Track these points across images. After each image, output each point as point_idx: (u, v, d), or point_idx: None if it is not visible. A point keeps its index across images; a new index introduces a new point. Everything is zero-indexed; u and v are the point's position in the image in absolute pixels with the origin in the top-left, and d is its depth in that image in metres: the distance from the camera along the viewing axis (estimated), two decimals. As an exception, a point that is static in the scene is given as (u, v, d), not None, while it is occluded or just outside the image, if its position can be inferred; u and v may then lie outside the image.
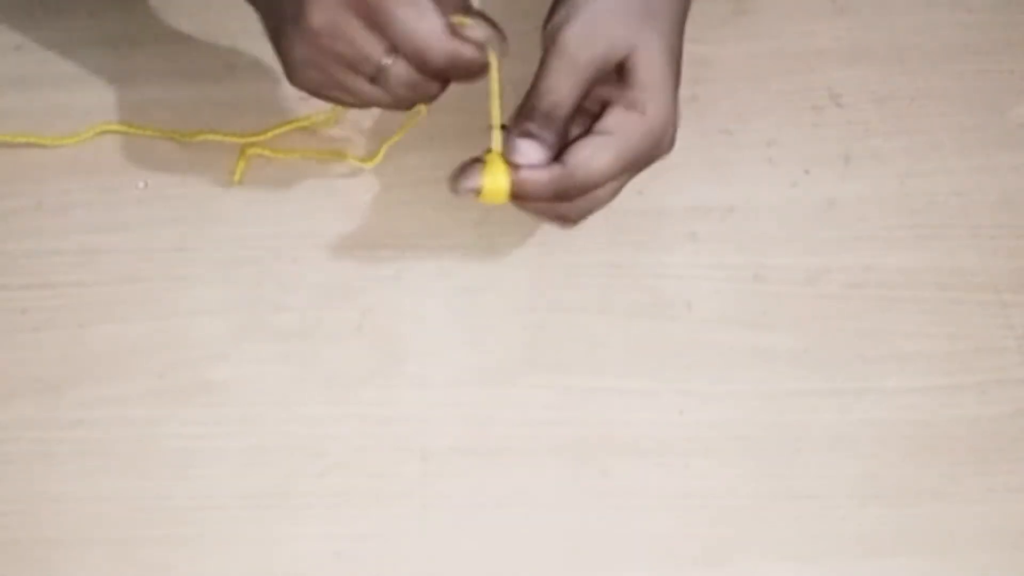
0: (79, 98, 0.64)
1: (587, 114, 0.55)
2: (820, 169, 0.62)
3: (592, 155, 0.53)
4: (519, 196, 0.54)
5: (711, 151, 0.63)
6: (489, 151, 0.54)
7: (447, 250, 0.60)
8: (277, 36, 0.55)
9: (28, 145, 0.62)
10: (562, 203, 0.55)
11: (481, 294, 0.59)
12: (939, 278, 0.59)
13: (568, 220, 0.56)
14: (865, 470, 0.55)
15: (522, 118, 0.54)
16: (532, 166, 0.53)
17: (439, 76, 0.54)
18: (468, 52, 0.53)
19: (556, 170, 0.53)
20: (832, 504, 0.54)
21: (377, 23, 0.52)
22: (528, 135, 0.54)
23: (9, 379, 0.56)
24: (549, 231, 0.59)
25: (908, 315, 0.58)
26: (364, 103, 0.56)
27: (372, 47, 0.53)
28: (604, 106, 0.54)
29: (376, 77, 0.54)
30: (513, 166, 0.53)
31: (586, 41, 0.53)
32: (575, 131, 0.55)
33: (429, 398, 0.56)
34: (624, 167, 0.54)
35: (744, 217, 0.61)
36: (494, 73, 0.54)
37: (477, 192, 0.54)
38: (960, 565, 0.53)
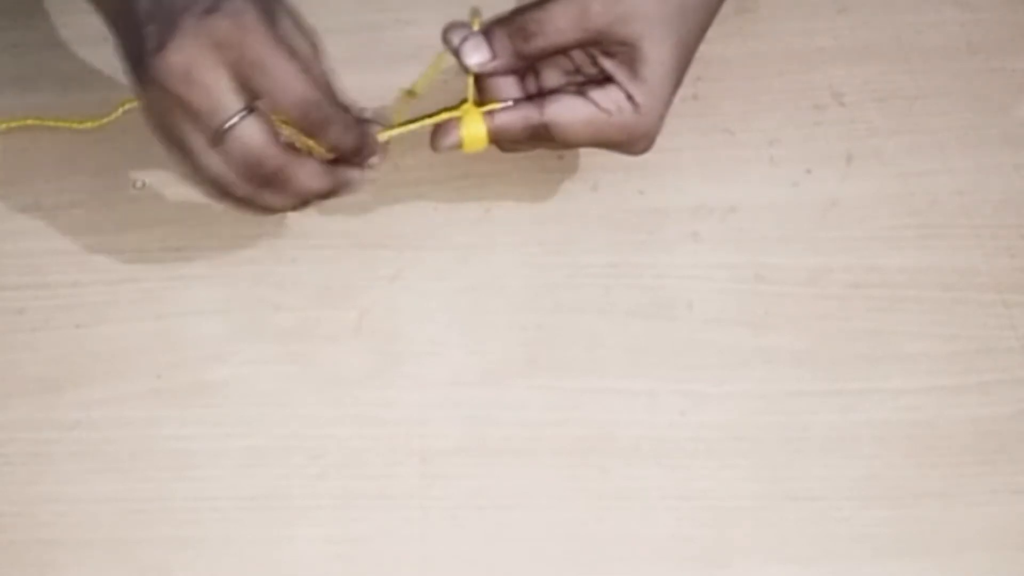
0: (78, 98, 0.63)
1: (573, 66, 0.56)
2: (822, 169, 0.62)
3: (572, 119, 0.54)
4: (497, 140, 0.55)
5: (712, 151, 0.63)
6: (464, 101, 0.55)
7: (447, 250, 0.59)
8: (132, 68, 0.50)
9: (50, 128, 0.62)
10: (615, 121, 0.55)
11: (481, 294, 0.59)
12: (941, 278, 0.59)
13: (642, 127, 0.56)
14: (867, 471, 0.54)
15: (499, 23, 0.54)
16: (507, 108, 0.55)
17: (314, 134, 0.51)
18: (352, 119, 0.51)
19: (533, 116, 0.54)
20: (833, 505, 0.54)
21: (248, 71, 0.48)
22: (493, 37, 0.54)
23: (7, 380, 0.56)
24: (549, 231, 0.59)
25: (910, 315, 0.58)
26: (193, 171, 0.51)
27: (226, 100, 0.48)
28: (600, 71, 0.54)
29: (217, 138, 0.49)
30: (488, 114, 0.55)
31: (610, 3, 0.52)
32: (556, 77, 0.56)
33: (428, 399, 0.56)
34: (594, 143, 0.55)
35: (745, 217, 0.61)
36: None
37: (459, 145, 0.55)
38: (962, 566, 0.53)
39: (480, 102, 0.56)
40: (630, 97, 0.53)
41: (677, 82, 0.55)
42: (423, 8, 0.66)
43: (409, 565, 0.53)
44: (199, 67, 0.48)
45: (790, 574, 0.53)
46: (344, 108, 0.52)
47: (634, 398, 0.56)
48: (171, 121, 0.49)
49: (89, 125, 0.62)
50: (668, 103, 0.55)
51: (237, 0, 0.48)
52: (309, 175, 0.52)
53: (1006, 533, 0.53)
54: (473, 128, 0.55)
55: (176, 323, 0.58)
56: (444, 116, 0.56)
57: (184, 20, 0.48)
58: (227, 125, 0.49)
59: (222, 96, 0.48)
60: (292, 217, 0.60)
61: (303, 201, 0.53)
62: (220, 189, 0.51)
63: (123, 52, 0.51)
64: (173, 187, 0.61)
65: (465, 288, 0.59)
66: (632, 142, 0.55)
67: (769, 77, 0.65)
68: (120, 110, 0.62)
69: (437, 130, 0.56)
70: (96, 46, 0.65)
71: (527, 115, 0.55)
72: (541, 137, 0.55)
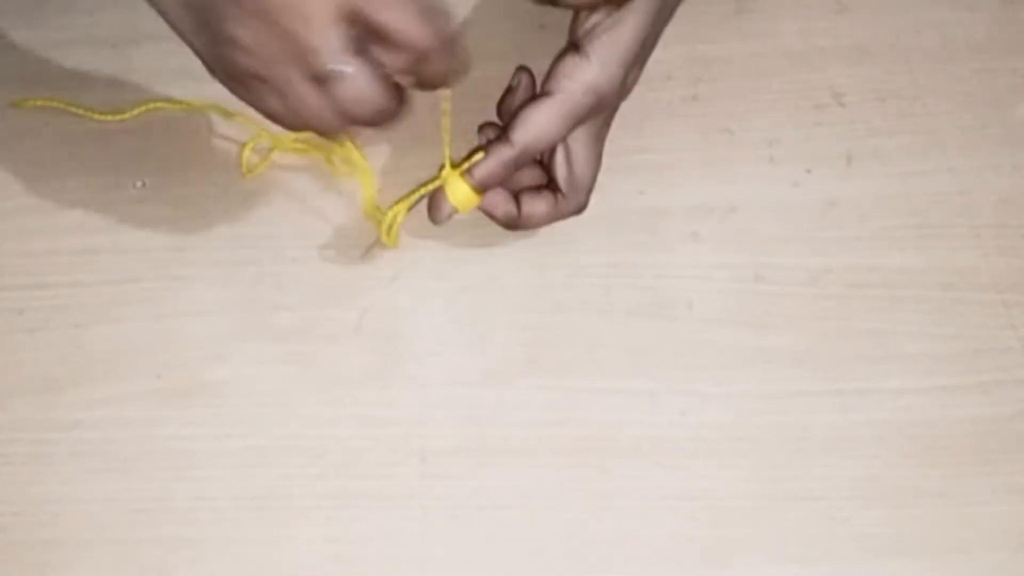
0: (78, 98, 0.63)
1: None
2: (822, 169, 0.62)
3: (539, 121, 0.54)
4: (487, 189, 0.55)
5: (712, 151, 0.63)
6: (441, 167, 0.55)
7: (446, 250, 0.59)
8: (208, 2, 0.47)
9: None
10: (563, 203, 0.56)
11: (481, 294, 0.59)
12: (941, 278, 0.59)
13: (576, 205, 0.57)
14: (867, 471, 0.54)
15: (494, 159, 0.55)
16: (481, 159, 0.55)
17: (416, 69, 0.49)
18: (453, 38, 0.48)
19: (505, 152, 0.54)
20: (833, 505, 0.54)
21: (360, 6, 0.46)
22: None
23: (7, 380, 0.56)
24: (549, 231, 0.59)
25: (910, 315, 0.58)
26: (292, 111, 0.48)
27: (333, 38, 0.46)
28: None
29: (324, 78, 0.47)
30: (468, 173, 0.55)
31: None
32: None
33: (428, 399, 0.56)
34: (568, 124, 0.54)
35: (745, 217, 0.61)
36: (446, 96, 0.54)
37: (455, 211, 0.55)
38: (963, 567, 0.53)
39: (455, 163, 0.55)
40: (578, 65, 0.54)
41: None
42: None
43: (409, 565, 0.53)
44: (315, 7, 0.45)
45: (790, 574, 0.53)
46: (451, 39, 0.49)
47: (634, 398, 0.56)
48: (264, 59, 0.46)
49: (111, 118, 0.62)
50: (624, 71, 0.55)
51: None
52: (402, 111, 0.50)
53: (1006, 533, 0.53)
54: (459, 192, 0.55)
55: (176, 323, 0.58)
56: (427, 188, 0.56)
57: None
58: (335, 67, 0.46)
59: (326, 32, 0.46)
60: (292, 217, 0.60)
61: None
62: (311, 124, 0.49)
63: None
64: (173, 187, 0.61)
65: (465, 288, 0.59)
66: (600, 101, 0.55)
67: (769, 77, 0.65)
68: (145, 108, 0.62)
69: (430, 205, 0.56)
70: (96, 46, 0.65)
71: (499, 154, 0.54)
72: (520, 165, 0.55)
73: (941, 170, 0.62)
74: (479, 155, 0.55)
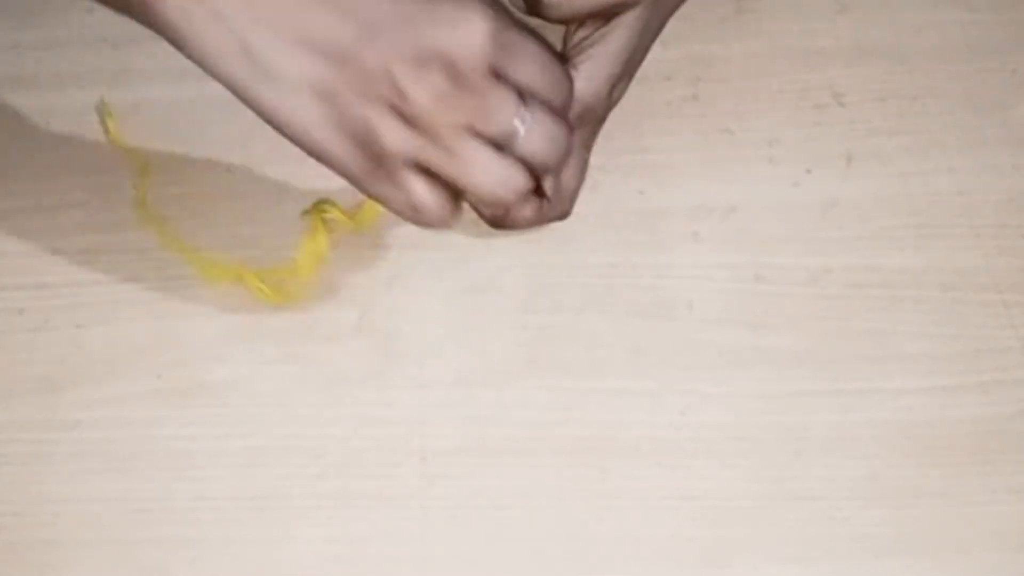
0: (78, 98, 0.63)
1: None
2: (822, 169, 0.62)
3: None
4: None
5: (712, 150, 0.62)
6: None
7: (447, 250, 0.59)
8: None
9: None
10: (548, 208, 0.56)
11: (481, 294, 0.59)
12: (941, 278, 0.59)
13: (560, 211, 0.56)
14: (867, 471, 0.54)
15: None
16: None
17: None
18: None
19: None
20: (834, 505, 0.54)
21: (507, 61, 0.43)
22: None
23: (6, 380, 0.56)
24: (549, 231, 0.59)
25: (910, 315, 0.58)
26: (481, 188, 0.45)
27: (505, 98, 0.43)
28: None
29: (507, 139, 0.43)
30: None
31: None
32: None
33: (428, 399, 0.56)
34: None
35: (745, 217, 0.61)
36: None
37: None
38: (963, 567, 0.53)
39: None
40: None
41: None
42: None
43: (409, 565, 0.53)
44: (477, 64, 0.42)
45: (790, 574, 0.52)
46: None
47: (634, 398, 0.56)
48: (440, 132, 0.43)
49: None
50: None
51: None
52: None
53: (1006, 533, 0.53)
54: None
55: (176, 323, 0.58)
56: None
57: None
58: (522, 120, 0.43)
59: (496, 92, 0.43)
60: (290, 217, 0.60)
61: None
62: (498, 201, 0.47)
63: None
64: (173, 187, 0.61)
65: (465, 288, 0.59)
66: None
67: (769, 77, 0.65)
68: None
69: None
70: (96, 46, 0.65)
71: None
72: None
73: (941, 170, 0.62)
74: None
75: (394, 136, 0.44)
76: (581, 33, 0.54)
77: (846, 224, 0.60)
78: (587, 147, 0.56)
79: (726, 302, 0.58)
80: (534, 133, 0.45)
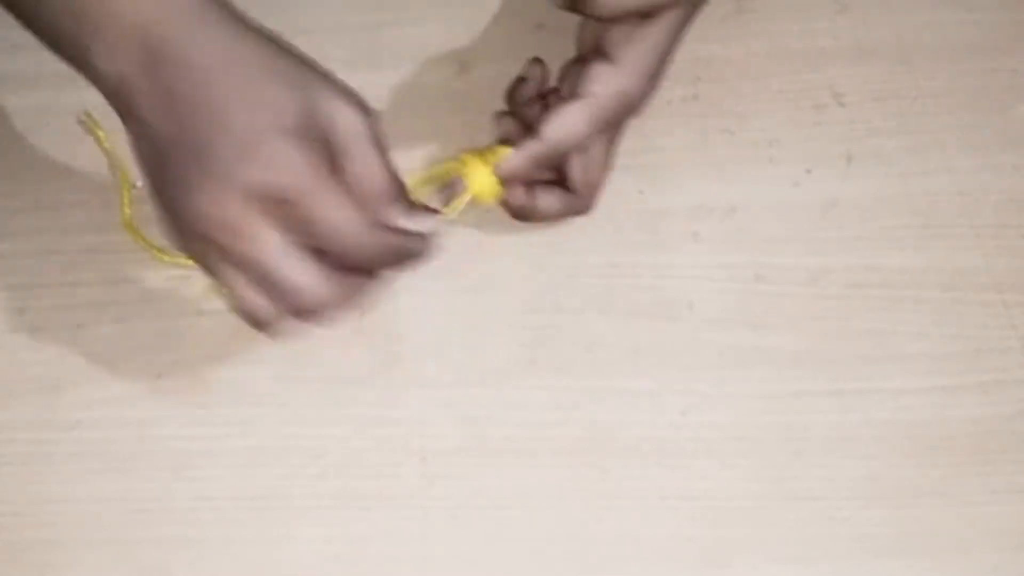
0: (78, 98, 0.63)
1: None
2: (822, 169, 0.62)
3: (564, 119, 0.54)
4: (508, 181, 0.55)
5: (712, 151, 0.62)
6: (465, 154, 0.55)
7: (447, 250, 0.59)
8: (157, 193, 0.47)
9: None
10: (573, 201, 0.57)
11: (481, 294, 0.59)
12: (941, 278, 0.59)
13: (584, 205, 0.58)
14: (867, 471, 0.54)
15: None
16: (514, 155, 0.55)
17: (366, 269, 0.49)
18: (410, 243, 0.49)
19: (535, 148, 0.55)
20: (834, 505, 0.54)
21: (296, 222, 0.46)
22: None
23: (7, 380, 0.56)
24: (549, 231, 0.59)
25: (910, 315, 0.58)
26: (228, 299, 0.49)
27: (271, 248, 0.46)
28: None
29: (263, 283, 0.47)
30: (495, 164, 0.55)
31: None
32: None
33: (429, 399, 0.56)
34: (596, 127, 0.55)
35: (745, 217, 0.61)
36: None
37: (471, 201, 0.55)
38: (963, 567, 0.53)
39: (480, 152, 0.56)
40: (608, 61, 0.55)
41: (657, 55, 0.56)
42: (423, 8, 0.66)
43: (409, 565, 0.53)
44: (240, 219, 0.45)
45: (790, 574, 0.52)
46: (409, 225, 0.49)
47: (634, 398, 0.56)
48: (206, 256, 0.47)
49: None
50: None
51: (276, 145, 0.45)
52: (355, 298, 0.50)
53: (1006, 533, 0.53)
54: (483, 180, 0.55)
55: (176, 323, 0.58)
56: (445, 169, 0.56)
57: (216, 166, 0.45)
58: (276, 272, 0.46)
59: (266, 245, 0.46)
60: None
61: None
62: (253, 319, 0.49)
63: (143, 163, 0.48)
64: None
65: (465, 288, 0.59)
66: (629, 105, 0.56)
67: (769, 77, 0.65)
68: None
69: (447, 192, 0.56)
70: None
71: (530, 149, 0.55)
72: (545, 163, 0.55)
73: (941, 170, 0.62)
74: (504, 149, 0.55)
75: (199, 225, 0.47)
76: (624, 29, 0.54)
77: (846, 224, 0.60)
78: (615, 143, 0.57)
79: (726, 302, 0.58)
80: (284, 285, 0.47)
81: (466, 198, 0.55)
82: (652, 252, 0.60)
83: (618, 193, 0.60)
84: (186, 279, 0.59)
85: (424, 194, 0.56)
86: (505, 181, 0.55)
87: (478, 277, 0.59)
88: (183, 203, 0.46)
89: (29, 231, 0.60)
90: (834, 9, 0.67)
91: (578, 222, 0.59)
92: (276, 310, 0.48)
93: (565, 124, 0.54)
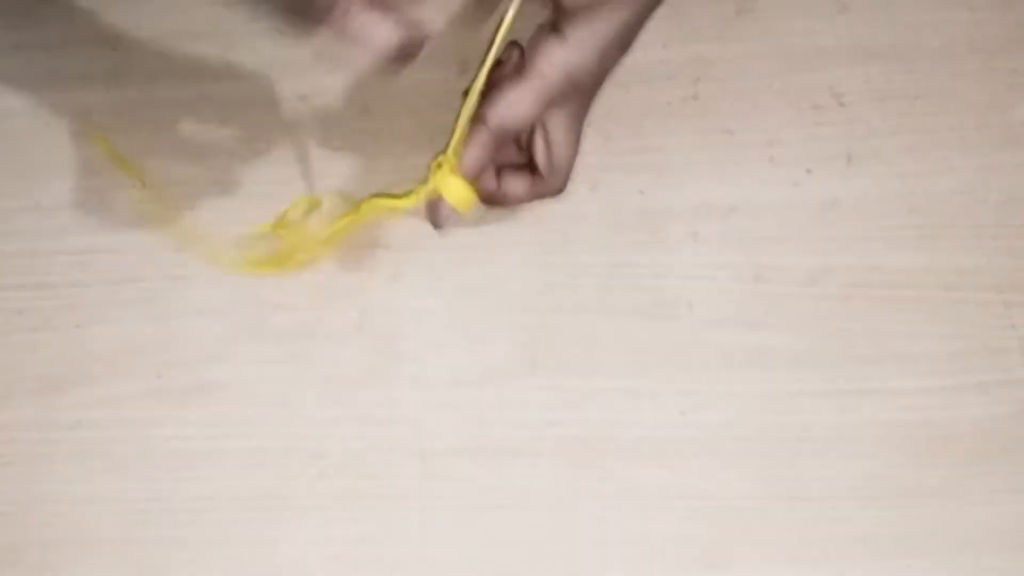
0: (78, 98, 0.63)
1: None
2: (822, 169, 0.62)
3: (507, 100, 0.53)
4: (478, 176, 0.54)
5: (712, 151, 0.62)
6: (436, 163, 0.54)
7: (447, 250, 0.59)
8: None
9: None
10: (540, 184, 0.55)
11: (481, 294, 0.59)
12: (941, 278, 0.59)
13: (553, 187, 0.56)
14: (867, 471, 0.54)
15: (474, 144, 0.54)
16: (466, 150, 0.54)
17: None
18: None
19: (481, 134, 0.53)
20: (833, 505, 0.54)
21: None
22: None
23: (7, 380, 0.56)
24: (549, 231, 0.59)
25: (910, 315, 0.58)
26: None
27: None
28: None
29: None
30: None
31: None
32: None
33: (428, 399, 0.56)
34: (543, 106, 0.53)
35: (745, 217, 0.61)
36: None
37: (455, 212, 0.54)
38: (963, 567, 0.53)
39: (442, 162, 0.55)
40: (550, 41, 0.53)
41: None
42: (423, 8, 0.66)
43: (409, 565, 0.53)
44: None
45: (790, 574, 0.53)
46: None
47: (634, 398, 0.56)
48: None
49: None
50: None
51: None
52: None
53: (1006, 533, 0.53)
54: (456, 189, 0.54)
55: (176, 323, 0.58)
56: (422, 192, 0.55)
57: None
58: None
59: None
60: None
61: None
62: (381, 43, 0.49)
63: None
64: (173, 187, 0.61)
65: (465, 288, 0.59)
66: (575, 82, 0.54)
67: (769, 77, 0.65)
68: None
69: (428, 211, 0.55)
70: (96, 46, 0.65)
71: (478, 138, 0.53)
72: (501, 144, 0.54)
73: (941, 170, 0.62)
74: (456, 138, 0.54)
75: None
76: (580, 7, 0.52)
77: (846, 224, 0.60)
78: (579, 120, 0.55)
79: (726, 302, 0.58)
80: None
81: (418, 198, 0.55)
82: (652, 252, 0.60)
83: (618, 193, 0.60)
84: (186, 279, 0.59)
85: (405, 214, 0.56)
86: (472, 178, 0.54)
87: (478, 277, 0.59)
88: None
89: (29, 231, 0.60)
90: (834, 9, 0.67)
91: (578, 222, 0.59)
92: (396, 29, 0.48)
93: (506, 103, 0.53)
